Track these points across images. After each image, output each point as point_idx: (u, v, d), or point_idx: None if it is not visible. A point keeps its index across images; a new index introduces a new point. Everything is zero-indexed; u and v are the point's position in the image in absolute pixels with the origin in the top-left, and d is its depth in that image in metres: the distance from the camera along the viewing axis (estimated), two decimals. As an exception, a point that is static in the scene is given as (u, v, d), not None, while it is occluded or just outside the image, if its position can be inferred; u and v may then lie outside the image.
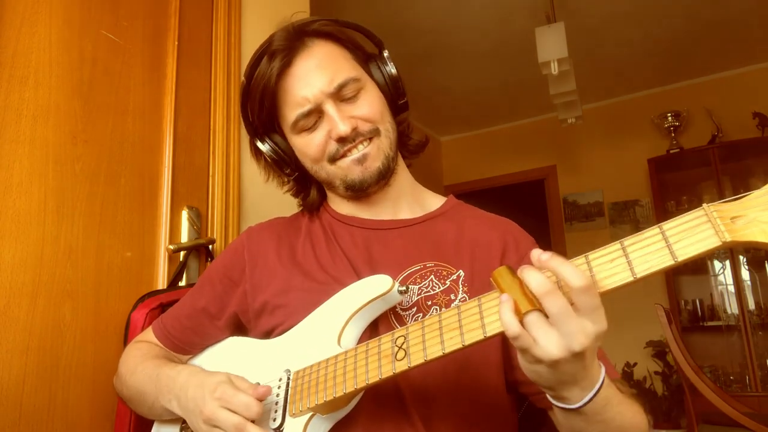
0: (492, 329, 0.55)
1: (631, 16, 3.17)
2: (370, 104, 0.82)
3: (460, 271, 0.78)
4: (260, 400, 0.69)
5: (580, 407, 0.55)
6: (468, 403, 0.74)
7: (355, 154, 0.81)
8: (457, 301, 0.75)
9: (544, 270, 0.52)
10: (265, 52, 0.82)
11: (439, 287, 0.77)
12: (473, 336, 0.56)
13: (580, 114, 3.13)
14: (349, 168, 0.82)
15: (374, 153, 0.82)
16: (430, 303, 0.75)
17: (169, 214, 1.23)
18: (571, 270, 0.50)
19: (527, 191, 4.73)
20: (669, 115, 3.90)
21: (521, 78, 3.82)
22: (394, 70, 0.86)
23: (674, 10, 3.12)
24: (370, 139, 0.81)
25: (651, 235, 0.51)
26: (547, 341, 0.50)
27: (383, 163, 0.82)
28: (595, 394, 0.54)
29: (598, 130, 4.26)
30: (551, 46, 2.68)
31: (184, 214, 1.27)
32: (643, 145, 4.06)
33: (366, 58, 0.87)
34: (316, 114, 0.80)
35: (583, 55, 3.44)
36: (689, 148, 3.81)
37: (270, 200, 1.51)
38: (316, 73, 0.79)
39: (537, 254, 0.52)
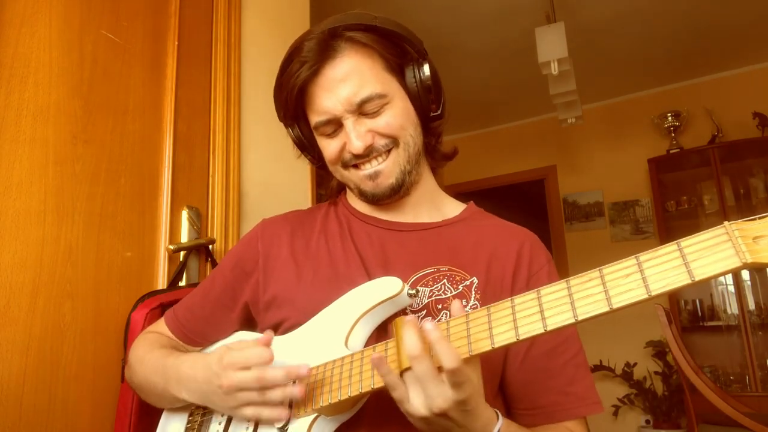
0: (500, 340, 0.55)
1: (631, 16, 3.17)
2: (392, 118, 0.79)
3: (474, 278, 0.78)
4: (266, 345, 0.69)
5: None
6: None
7: (368, 169, 0.81)
8: (468, 307, 0.75)
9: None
10: (294, 55, 0.80)
11: (451, 291, 0.76)
12: (481, 346, 0.56)
13: (580, 114, 3.13)
14: (361, 180, 0.82)
15: (388, 170, 0.81)
16: (440, 307, 0.75)
17: (169, 214, 1.23)
18: (445, 351, 0.54)
19: (527, 191, 4.72)
20: (669, 115, 3.90)
21: (521, 78, 3.82)
22: (429, 81, 0.81)
23: (674, 10, 3.12)
24: (388, 151, 0.81)
25: (668, 251, 0.50)
26: (415, 398, 0.56)
27: (397, 179, 0.81)
28: None
29: (598, 130, 4.26)
30: (551, 46, 2.68)
31: (184, 214, 1.27)
32: (643, 145, 4.06)
33: (401, 64, 0.83)
34: (335, 124, 0.80)
35: (583, 55, 3.44)
36: (689, 148, 3.81)
37: (270, 200, 1.51)
38: (340, 86, 0.78)
39: (427, 326, 0.55)
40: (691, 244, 0.49)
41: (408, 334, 0.56)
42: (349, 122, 0.78)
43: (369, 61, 0.80)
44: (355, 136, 0.78)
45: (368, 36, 0.79)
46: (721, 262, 0.47)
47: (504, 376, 0.78)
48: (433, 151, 0.90)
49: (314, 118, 0.82)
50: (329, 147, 0.83)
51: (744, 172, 3.69)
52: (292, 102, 0.82)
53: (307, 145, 0.89)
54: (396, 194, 0.83)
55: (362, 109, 0.78)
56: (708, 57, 3.71)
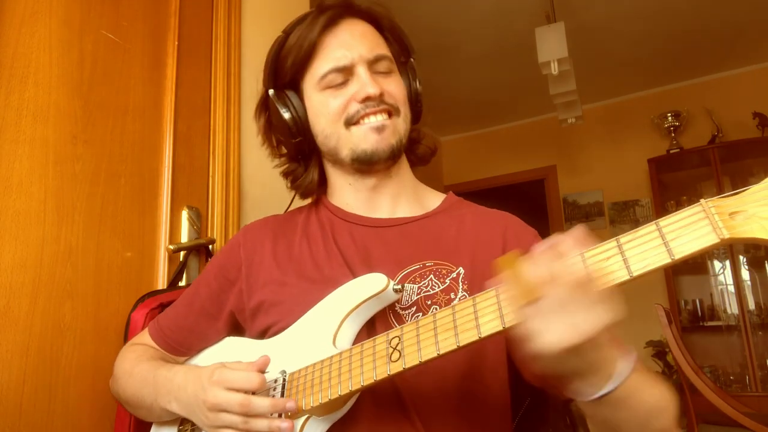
0: (487, 329, 0.55)
1: (631, 16, 3.17)
2: (398, 86, 0.85)
3: (460, 268, 0.78)
4: (261, 371, 0.69)
5: (601, 397, 0.53)
6: (467, 403, 0.74)
7: (374, 121, 0.81)
8: (457, 299, 0.75)
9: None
10: (310, 14, 0.84)
11: (439, 286, 0.76)
12: (468, 337, 0.56)
13: (580, 114, 3.13)
14: (365, 136, 0.81)
15: (392, 128, 0.82)
16: (429, 302, 0.75)
17: (169, 214, 1.23)
18: (563, 267, 0.49)
19: (527, 191, 4.73)
20: (669, 115, 3.91)
21: (521, 78, 3.82)
22: (418, 84, 0.89)
23: (674, 10, 3.12)
24: (390, 114, 0.82)
25: (647, 231, 0.50)
26: (550, 331, 0.48)
27: (397, 142, 0.83)
28: (616, 387, 0.53)
29: (598, 130, 4.26)
30: (551, 46, 2.68)
31: (184, 214, 1.27)
32: (643, 145, 4.06)
33: (397, 60, 0.88)
34: (347, 73, 0.81)
35: (583, 55, 3.44)
36: (689, 148, 3.81)
37: (270, 200, 1.51)
38: (358, 40, 0.82)
39: (536, 248, 0.52)
40: (670, 223, 0.49)
41: (530, 263, 0.50)
42: (362, 70, 0.81)
43: (379, 35, 0.87)
44: (370, 81, 0.80)
45: (383, 18, 0.87)
46: (699, 240, 0.47)
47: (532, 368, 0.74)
48: (416, 148, 0.92)
49: (325, 67, 0.82)
50: (333, 101, 0.82)
51: (744, 172, 3.69)
52: (302, 54, 0.83)
53: (295, 117, 0.85)
54: (392, 159, 0.84)
55: (375, 67, 0.82)
56: (708, 57, 3.71)
